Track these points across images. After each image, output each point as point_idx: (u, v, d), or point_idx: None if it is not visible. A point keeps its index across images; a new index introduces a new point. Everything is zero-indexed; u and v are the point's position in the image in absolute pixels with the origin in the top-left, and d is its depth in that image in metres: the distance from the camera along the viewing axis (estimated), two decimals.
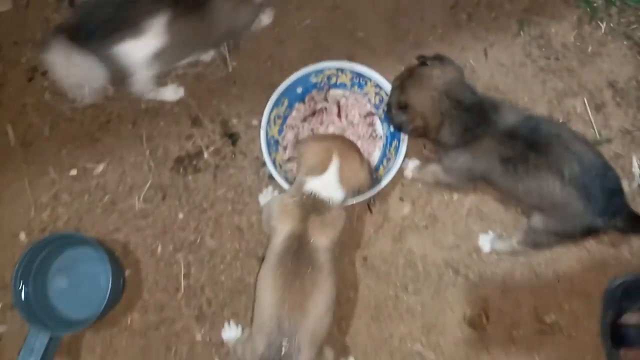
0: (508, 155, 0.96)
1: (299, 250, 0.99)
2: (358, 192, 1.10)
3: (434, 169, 1.17)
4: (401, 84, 1.08)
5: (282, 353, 0.94)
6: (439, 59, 1.04)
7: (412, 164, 1.23)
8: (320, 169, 1.03)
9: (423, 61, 1.04)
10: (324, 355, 1.04)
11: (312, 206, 1.02)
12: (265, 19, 1.34)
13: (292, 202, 1.03)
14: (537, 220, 1.02)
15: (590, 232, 0.98)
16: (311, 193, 1.02)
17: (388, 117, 1.14)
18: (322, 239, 1.00)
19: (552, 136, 0.95)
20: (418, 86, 1.03)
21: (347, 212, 1.17)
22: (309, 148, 1.08)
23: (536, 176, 0.94)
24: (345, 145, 1.08)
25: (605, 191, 0.94)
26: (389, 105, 1.13)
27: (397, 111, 1.09)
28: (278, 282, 0.98)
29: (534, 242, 1.08)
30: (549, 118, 1.18)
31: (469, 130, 1.00)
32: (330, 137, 1.16)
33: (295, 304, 0.96)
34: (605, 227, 0.95)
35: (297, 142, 1.22)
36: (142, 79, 1.17)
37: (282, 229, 1.02)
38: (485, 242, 1.20)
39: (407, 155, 1.18)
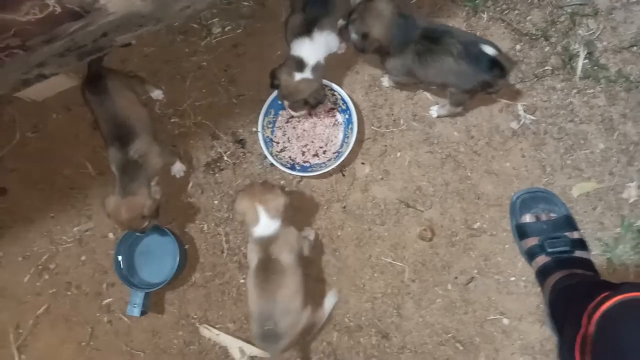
0: (419, 50, 1.44)
1: (266, 265, 1.43)
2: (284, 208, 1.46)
3: (389, 77, 1.69)
4: (360, 16, 1.45)
5: (267, 329, 1.40)
6: None
7: (384, 79, 1.72)
8: (255, 220, 1.43)
9: None
10: (301, 318, 1.46)
11: (266, 242, 1.43)
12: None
13: (252, 245, 1.47)
14: (452, 88, 1.52)
15: (484, 84, 1.45)
16: (260, 237, 1.44)
17: (346, 36, 1.52)
18: (282, 255, 1.43)
19: (444, 32, 1.44)
20: (374, 18, 1.44)
21: (328, 178, 1.71)
22: (241, 210, 1.45)
23: (437, 59, 1.43)
24: (257, 191, 1.45)
25: (482, 56, 1.41)
26: (348, 31, 1.49)
27: (359, 39, 1.47)
28: (256, 286, 1.43)
29: (456, 101, 1.57)
30: (446, 25, 1.56)
31: (404, 42, 1.45)
32: (246, 193, 1.47)
33: (268, 297, 1.41)
34: (491, 78, 1.43)
35: (233, 208, 1.54)
36: None
37: (254, 257, 1.45)
38: (433, 111, 1.69)
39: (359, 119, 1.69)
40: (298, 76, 1.54)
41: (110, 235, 1.83)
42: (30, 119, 1.89)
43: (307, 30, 1.53)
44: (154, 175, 1.62)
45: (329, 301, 1.63)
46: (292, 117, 1.76)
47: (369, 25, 1.45)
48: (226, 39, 1.85)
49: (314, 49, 1.54)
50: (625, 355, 0.85)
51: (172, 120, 1.84)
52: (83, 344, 1.78)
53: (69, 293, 1.81)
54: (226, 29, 1.86)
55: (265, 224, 1.44)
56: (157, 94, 1.82)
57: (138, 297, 1.68)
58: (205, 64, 1.85)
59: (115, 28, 1.49)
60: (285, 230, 1.47)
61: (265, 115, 1.71)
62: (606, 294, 0.96)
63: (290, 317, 1.43)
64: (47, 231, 1.85)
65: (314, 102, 1.59)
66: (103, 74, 1.58)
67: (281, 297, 1.42)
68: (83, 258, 1.83)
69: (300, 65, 1.54)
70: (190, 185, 1.81)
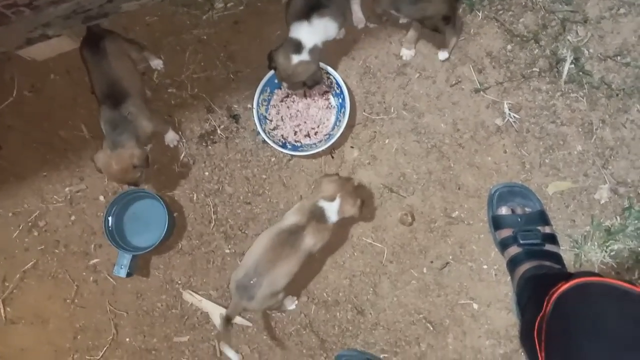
0: None
1: (293, 233, 1.48)
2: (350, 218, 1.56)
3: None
4: None
5: (250, 283, 1.46)
6: None
7: (403, 51, 1.78)
8: (330, 199, 1.52)
9: None
10: (277, 297, 1.54)
11: (317, 214, 1.50)
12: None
13: (308, 205, 1.52)
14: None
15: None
16: (321, 207, 1.51)
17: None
18: (309, 237, 1.49)
19: None
20: None
21: (317, 159, 1.77)
22: (325, 186, 1.54)
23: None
24: (347, 190, 1.53)
25: None
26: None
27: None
28: (270, 242, 1.48)
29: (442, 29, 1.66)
30: None
31: None
32: (340, 182, 1.54)
33: (272, 260, 1.46)
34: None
35: (321, 178, 1.61)
36: None
37: (293, 217, 1.51)
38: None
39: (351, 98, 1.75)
40: (295, 58, 1.59)
41: (101, 198, 1.88)
42: (29, 78, 1.92)
43: (306, 14, 1.57)
44: (145, 141, 1.67)
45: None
46: (287, 96, 1.81)
47: None
48: (228, 14, 1.89)
49: (312, 32, 1.58)
50: (572, 332, 0.94)
51: (169, 90, 1.88)
52: (68, 300, 1.83)
53: (56, 251, 1.86)
54: (228, 5, 1.89)
55: (331, 208, 1.52)
56: (156, 63, 1.85)
57: (125, 259, 1.73)
58: (205, 37, 1.89)
59: None
60: (329, 230, 1.55)
61: (261, 93, 1.76)
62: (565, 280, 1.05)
63: (272, 289, 1.49)
64: (39, 189, 1.89)
65: (311, 83, 1.64)
66: (102, 35, 1.62)
67: (280, 268, 1.47)
68: (73, 218, 1.87)
69: (298, 47, 1.58)
70: (182, 155, 1.85)
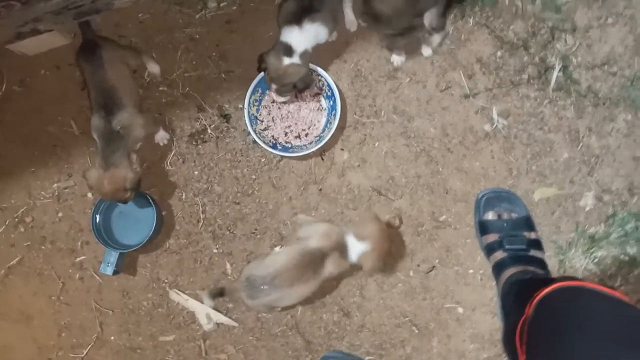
0: None
1: (317, 258, 1.49)
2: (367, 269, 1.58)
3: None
4: None
5: (261, 287, 1.47)
6: None
7: (394, 57, 1.78)
8: (360, 239, 1.53)
9: None
10: (273, 310, 1.60)
11: (341, 247, 1.52)
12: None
13: (336, 234, 1.53)
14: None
15: None
16: (345, 243, 1.53)
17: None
18: (329, 266, 1.51)
19: None
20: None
21: (307, 160, 1.77)
22: (365, 221, 1.57)
23: None
24: (382, 242, 1.55)
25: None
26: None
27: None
28: (294, 261, 1.48)
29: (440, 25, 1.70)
30: None
31: None
32: (378, 231, 1.55)
33: (291, 278, 1.47)
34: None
35: (366, 213, 1.68)
36: None
37: (318, 242, 1.50)
38: (427, 50, 1.77)
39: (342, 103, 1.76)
40: (287, 61, 1.60)
41: (89, 194, 1.86)
42: (18, 73, 1.90)
43: (298, 19, 1.58)
44: (135, 143, 1.66)
45: None
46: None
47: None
48: (221, 14, 1.89)
49: (303, 37, 1.59)
50: (555, 333, 0.95)
51: (160, 88, 1.87)
52: (53, 298, 1.82)
53: (43, 247, 1.85)
54: (222, 4, 1.89)
55: (355, 248, 1.53)
56: (154, 69, 1.83)
57: (112, 257, 1.72)
58: (197, 36, 1.88)
59: None
60: (346, 265, 1.56)
61: (253, 93, 1.76)
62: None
63: (277, 303, 1.51)
64: (26, 185, 1.88)
65: (302, 86, 1.65)
66: (99, 43, 1.61)
67: (296, 289, 1.49)
68: (60, 215, 1.86)
69: (288, 51, 1.59)
70: (172, 153, 1.85)
